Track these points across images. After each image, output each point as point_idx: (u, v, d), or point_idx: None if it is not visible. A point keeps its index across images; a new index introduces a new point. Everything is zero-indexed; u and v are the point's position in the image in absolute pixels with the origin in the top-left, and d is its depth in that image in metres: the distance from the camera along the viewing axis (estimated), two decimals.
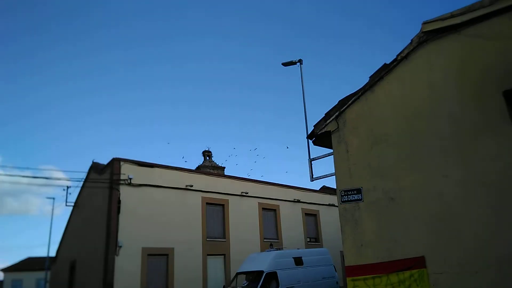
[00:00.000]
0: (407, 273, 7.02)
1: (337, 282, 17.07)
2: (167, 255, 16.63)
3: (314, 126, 8.97)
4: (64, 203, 21.22)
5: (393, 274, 7.16)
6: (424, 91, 7.52)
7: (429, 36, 7.63)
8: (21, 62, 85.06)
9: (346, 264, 7.91)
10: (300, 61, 10.65)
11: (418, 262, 6.93)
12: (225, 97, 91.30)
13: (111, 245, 15.19)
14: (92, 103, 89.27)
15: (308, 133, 9.30)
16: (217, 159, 32.25)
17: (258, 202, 21.07)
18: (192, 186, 18.17)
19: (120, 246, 15.25)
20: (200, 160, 36.80)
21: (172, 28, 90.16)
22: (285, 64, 10.83)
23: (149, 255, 16.03)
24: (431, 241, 6.89)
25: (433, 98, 7.39)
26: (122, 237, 15.42)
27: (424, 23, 7.62)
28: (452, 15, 7.34)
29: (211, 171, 26.77)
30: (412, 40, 7.80)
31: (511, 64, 6.54)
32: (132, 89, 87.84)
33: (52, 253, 30.49)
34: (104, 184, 16.64)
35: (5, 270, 41.80)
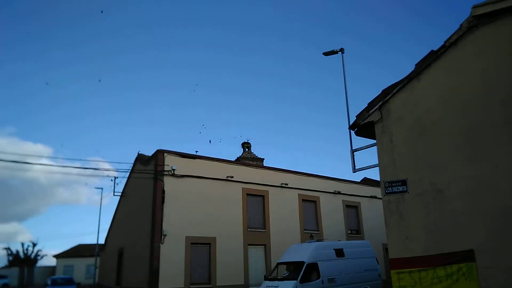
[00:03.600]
0: (455, 267, 6.82)
1: (379, 275, 16.80)
2: (209, 244, 17.04)
3: (356, 116, 8.83)
4: (112, 193, 22.20)
5: (440, 267, 6.98)
6: (475, 78, 7.19)
7: (479, 20, 7.27)
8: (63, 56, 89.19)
9: (390, 257, 7.79)
10: (341, 50, 10.48)
11: (467, 256, 6.71)
12: (264, 90, 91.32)
13: (156, 233, 15.77)
14: (140, 98, 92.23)
15: (350, 124, 9.17)
16: (256, 151, 32.49)
17: (298, 194, 21.04)
18: (232, 177, 18.45)
19: (165, 235, 15.81)
20: (238, 150, 37.24)
21: (218, 18, 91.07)
22: (326, 54, 10.68)
23: (192, 243, 16.50)
24: (482, 234, 6.63)
25: (484, 86, 7.06)
26: (166, 226, 15.96)
27: (474, 7, 7.26)
28: None
29: (251, 162, 27.03)
30: (461, 25, 7.45)
31: None
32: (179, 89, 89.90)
33: (101, 241, 32.08)
34: (149, 175, 17.25)
35: (57, 256, 44.40)
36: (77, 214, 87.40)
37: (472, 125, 7.07)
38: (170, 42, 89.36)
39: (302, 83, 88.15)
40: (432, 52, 7.84)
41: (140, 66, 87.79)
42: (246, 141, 31.36)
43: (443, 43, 7.71)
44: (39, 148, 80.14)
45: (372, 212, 23.34)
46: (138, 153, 20.51)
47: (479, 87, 7.13)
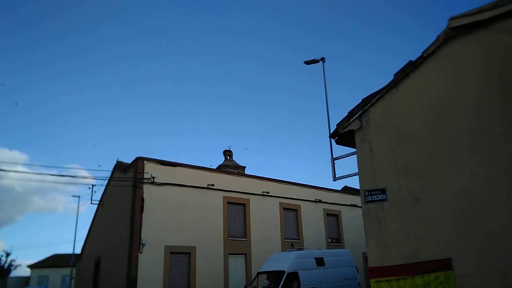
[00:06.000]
0: (432, 275, 6.87)
1: (359, 284, 16.84)
2: (189, 253, 16.78)
3: (337, 125, 8.88)
4: (89, 201, 21.71)
5: (418, 276, 7.02)
6: (452, 88, 7.34)
7: (456, 32, 7.44)
8: (51, 66, 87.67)
9: (369, 265, 7.79)
10: (322, 59, 10.57)
11: (444, 264, 6.76)
12: (245, 97, 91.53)
13: (135, 242, 15.44)
14: (115, 107, 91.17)
15: (331, 132, 9.21)
16: (237, 158, 32.40)
17: (279, 202, 21.01)
18: (213, 185, 18.28)
19: (144, 244, 15.50)
20: (220, 158, 37.06)
21: (191, 25, 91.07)
22: (307, 63, 10.75)
23: (171, 253, 16.22)
24: (459, 242, 6.71)
25: (460, 95, 7.20)
26: (145, 235, 15.66)
27: (451, 19, 7.42)
28: (480, 10, 7.13)
29: (232, 170, 26.90)
30: (438, 36, 7.61)
31: None
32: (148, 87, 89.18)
33: (78, 250, 31.20)
34: (128, 183, 16.94)
35: (31, 266, 42.95)
36: (53, 223, 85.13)
37: (448, 134, 7.19)
38: (148, 53, 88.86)
39: (284, 89, 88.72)
40: (410, 62, 7.97)
41: (121, 75, 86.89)
42: (227, 148, 31.26)
43: (421, 53, 7.85)
44: (15, 154, 78.00)
45: (352, 221, 23.49)
46: (117, 161, 20.15)
47: (455, 96, 7.27)
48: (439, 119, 7.38)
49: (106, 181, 20.96)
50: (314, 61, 10.69)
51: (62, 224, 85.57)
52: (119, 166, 19.48)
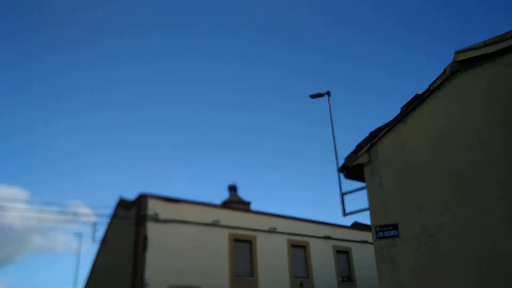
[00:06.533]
0: None
1: None
2: None
3: (345, 158, 8.76)
4: (91, 239, 21.27)
5: None
6: (460, 122, 7.25)
7: (462, 65, 7.43)
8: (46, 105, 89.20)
9: None
10: (328, 93, 10.57)
11: None
12: (251, 126, 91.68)
13: (137, 282, 14.98)
14: (119, 139, 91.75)
15: (339, 166, 9.07)
16: (242, 193, 32.04)
17: (287, 239, 20.51)
18: (218, 221, 17.95)
19: (147, 284, 15.02)
20: (224, 193, 36.67)
21: (186, 48, 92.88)
22: (312, 96, 10.76)
23: None
24: (476, 282, 6.39)
25: (469, 129, 7.10)
26: (148, 274, 15.20)
27: (457, 52, 7.44)
28: (486, 44, 7.15)
29: (237, 206, 26.53)
30: (445, 70, 7.61)
31: None
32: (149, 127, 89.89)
33: None
34: (130, 221, 16.66)
35: None
36: (53, 263, 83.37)
37: (459, 169, 7.03)
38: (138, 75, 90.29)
39: (292, 116, 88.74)
40: (417, 96, 7.94)
41: (119, 104, 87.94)
42: (232, 184, 30.98)
43: (427, 87, 7.83)
44: (15, 191, 77.75)
45: (364, 258, 22.75)
46: (119, 198, 19.96)
47: (464, 130, 7.18)
48: (448, 153, 7.26)
49: (109, 219, 20.69)
50: (319, 95, 10.70)
51: (62, 263, 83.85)
52: (122, 203, 19.28)
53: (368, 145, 8.35)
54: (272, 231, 19.88)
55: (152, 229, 15.96)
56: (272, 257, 19.36)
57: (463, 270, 6.55)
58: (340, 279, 22.04)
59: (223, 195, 30.78)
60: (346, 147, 8.80)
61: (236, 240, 18.52)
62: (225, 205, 25.76)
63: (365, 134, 8.48)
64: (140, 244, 15.52)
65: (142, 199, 16.37)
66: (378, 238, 7.78)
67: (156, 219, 16.12)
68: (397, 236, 7.53)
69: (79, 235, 30.07)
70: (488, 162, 6.69)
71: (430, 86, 7.80)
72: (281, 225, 20.41)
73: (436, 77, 7.73)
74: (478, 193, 6.69)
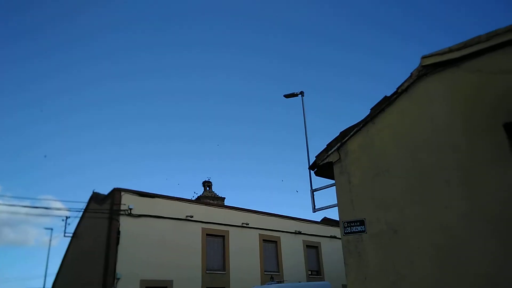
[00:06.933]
0: None
1: None
2: (165, 287, 16.26)
3: (316, 157, 9.02)
4: (62, 234, 20.91)
5: None
6: (426, 123, 7.60)
7: (428, 70, 7.79)
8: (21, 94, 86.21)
9: None
10: (301, 93, 10.81)
11: None
12: (226, 131, 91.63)
13: (109, 277, 14.90)
14: (93, 137, 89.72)
15: (310, 164, 9.33)
16: (217, 190, 32.13)
17: (259, 233, 20.81)
18: (192, 216, 18.01)
19: (118, 278, 14.96)
20: (199, 190, 36.63)
21: (168, 62, 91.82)
22: (287, 96, 10.98)
23: (147, 287, 15.68)
24: (437, 275, 6.75)
25: (434, 130, 7.46)
26: (120, 268, 15.14)
27: (423, 57, 7.79)
28: (450, 50, 7.51)
29: (211, 201, 26.61)
30: (412, 73, 7.95)
31: (510, 97, 6.65)
32: (134, 123, 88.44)
33: (48, 285, 29.78)
34: (103, 215, 16.50)
35: None
36: (23, 256, 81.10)
37: (422, 168, 7.38)
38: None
39: (262, 120, 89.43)
40: (385, 97, 8.26)
41: (95, 102, 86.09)
42: (207, 179, 31.01)
43: (395, 89, 8.16)
44: None
45: (332, 253, 23.38)
46: (93, 192, 19.70)
47: (429, 131, 7.52)
48: (414, 153, 7.59)
49: (81, 213, 20.37)
50: (293, 95, 10.93)
51: (33, 257, 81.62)
52: (95, 198, 19.04)
53: (338, 144, 8.63)
54: (244, 226, 20.11)
55: (125, 223, 15.88)
56: (244, 251, 19.62)
57: (426, 265, 6.89)
58: (309, 272, 22.55)
59: (199, 190, 30.78)
60: (318, 149, 9.07)
61: (209, 235, 18.66)
62: (199, 200, 25.79)
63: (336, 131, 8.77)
64: (112, 238, 15.42)
65: (116, 193, 16.24)
66: (345, 233, 8.08)
67: (129, 213, 16.04)
68: (363, 231, 7.84)
69: (50, 229, 29.51)
70: (450, 162, 7.06)
71: (398, 88, 8.14)
72: (253, 220, 20.68)
73: (403, 80, 8.09)
74: (440, 191, 7.05)
